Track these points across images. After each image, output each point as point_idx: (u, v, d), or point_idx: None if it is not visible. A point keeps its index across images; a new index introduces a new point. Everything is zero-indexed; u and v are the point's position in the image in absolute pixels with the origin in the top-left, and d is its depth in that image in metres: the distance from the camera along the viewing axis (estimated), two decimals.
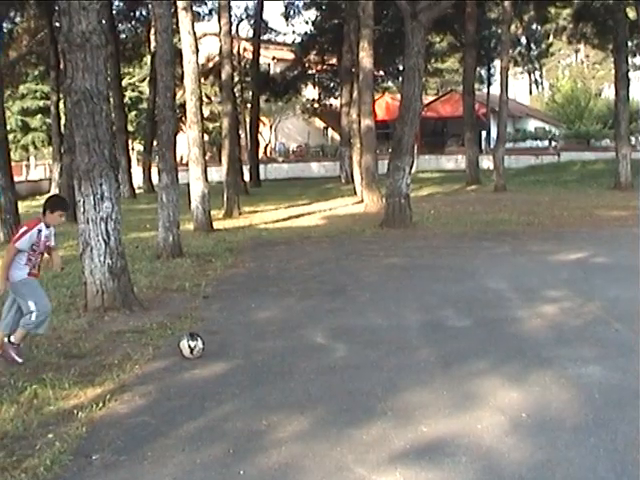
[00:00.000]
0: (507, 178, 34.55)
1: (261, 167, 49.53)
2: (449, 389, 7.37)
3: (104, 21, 13.13)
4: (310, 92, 59.65)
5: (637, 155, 38.96)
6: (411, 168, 21.74)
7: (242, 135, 46.51)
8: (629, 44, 35.89)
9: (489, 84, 56.94)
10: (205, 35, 50.82)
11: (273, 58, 61.17)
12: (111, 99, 36.63)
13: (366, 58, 26.81)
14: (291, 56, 55.11)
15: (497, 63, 50.80)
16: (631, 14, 34.94)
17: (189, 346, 8.60)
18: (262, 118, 53.97)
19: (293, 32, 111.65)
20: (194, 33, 21.44)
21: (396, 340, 9.26)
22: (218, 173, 35.11)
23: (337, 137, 56.37)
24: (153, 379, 8.02)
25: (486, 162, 43.03)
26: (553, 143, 56.64)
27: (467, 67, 39.27)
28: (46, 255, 8.97)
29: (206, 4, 47.26)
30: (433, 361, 8.34)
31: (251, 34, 49.51)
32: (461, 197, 31.44)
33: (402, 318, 10.45)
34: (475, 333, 9.52)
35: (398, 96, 31.95)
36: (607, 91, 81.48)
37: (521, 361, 8.19)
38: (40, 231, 8.59)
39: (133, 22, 49.44)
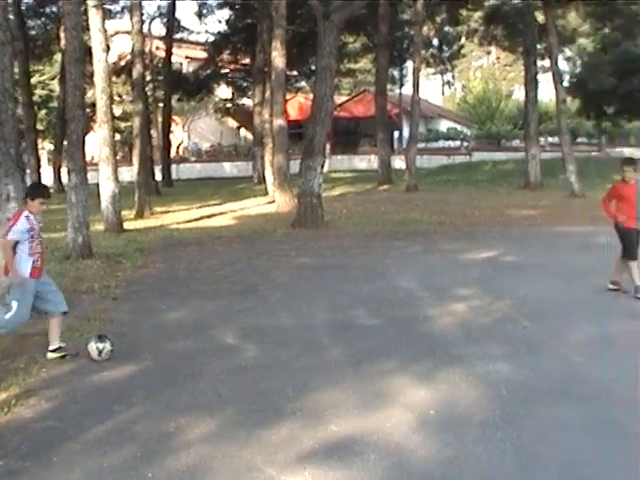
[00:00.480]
0: (419, 178, 34.82)
1: (173, 167, 49.15)
2: (359, 388, 7.38)
3: (11, 17, 12.87)
4: (223, 91, 59.39)
5: (546, 155, 39.69)
6: (323, 168, 21.78)
7: (154, 135, 46.01)
8: (538, 47, 36.46)
9: (401, 85, 57.44)
10: (117, 33, 50.27)
11: (186, 57, 60.66)
12: (19, 97, 35.95)
13: (278, 58, 26.76)
14: (204, 55, 54.66)
15: (409, 64, 51.29)
16: (540, 17, 35.53)
17: (97, 348, 8.46)
18: (175, 117, 53.60)
19: (206, 31, 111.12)
20: (105, 31, 21.18)
21: (307, 340, 9.25)
22: (129, 173, 34.78)
23: (250, 137, 56.20)
24: (60, 382, 7.86)
25: (398, 162, 43.34)
26: (465, 143, 57.30)
27: (380, 67, 39.45)
28: None
29: (117, 2, 46.61)
30: (344, 360, 8.35)
31: (164, 32, 49.00)
32: (373, 197, 31.57)
33: (313, 318, 10.44)
34: (386, 332, 9.56)
35: (311, 96, 31.93)
36: (517, 92, 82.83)
37: (431, 359, 8.25)
38: (28, 217, 8.37)
39: (43, 18, 48.61)
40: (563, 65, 61.87)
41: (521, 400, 6.94)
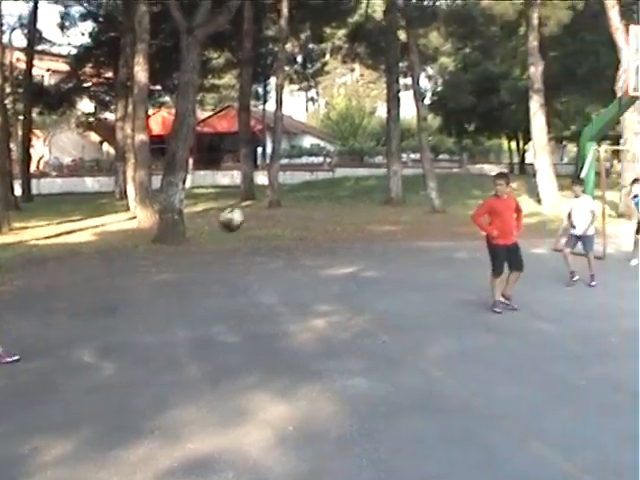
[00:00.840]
0: (282, 194, 34.94)
1: (33, 181, 47.80)
2: (218, 405, 7.35)
3: None
4: (86, 105, 58.31)
5: (408, 171, 40.41)
6: (184, 183, 21.63)
7: (13, 148, 44.90)
8: (400, 65, 37.14)
9: (265, 100, 57.53)
10: None
11: (48, 69, 59.27)
12: None
13: (141, 72, 26.47)
14: (67, 68, 53.62)
15: (273, 80, 51.45)
16: (402, 36, 36.20)
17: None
18: (35, 131, 52.31)
19: (69, 44, 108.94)
20: None
21: (167, 357, 9.16)
22: None
23: (113, 152, 55.36)
24: None
25: (262, 178, 43.34)
26: (328, 159, 57.79)
27: (243, 83, 39.49)
28: None
29: None
30: (203, 377, 8.30)
31: (25, 44, 47.85)
32: None
33: (173, 334, 10.34)
34: (245, 348, 9.55)
35: (174, 111, 31.71)
36: (381, 109, 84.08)
37: (290, 375, 8.27)
38: None
39: None
40: (425, 83, 63.33)
41: (379, 415, 7.03)
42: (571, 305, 12.24)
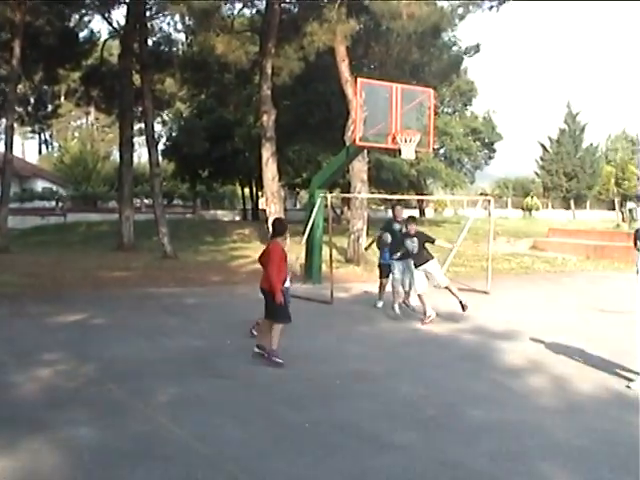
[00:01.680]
0: (12, 239, 33.68)
1: None
2: None
3: None
4: None
5: (141, 217, 40.20)
6: None
7: None
8: (134, 109, 36.97)
9: None
10: None
11: None
12: None
13: None
14: None
15: (3, 121, 49.80)
16: (138, 81, 36.05)
17: None
18: None
19: None
20: None
21: None
22: None
23: None
24: None
25: None
26: (60, 204, 56.48)
27: None
28: None
29: None
30: None
31: None
32: None
33: None
34: None
35: None
36: (115, 153, 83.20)
37: (13, 428, 8.02)
38: None
39: None
40: (159, 128, 63.19)
41: (103, 463, 6.99)
42: (297, 350, 12.57)
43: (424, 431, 8.15)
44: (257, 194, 57.11)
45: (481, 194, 36.09)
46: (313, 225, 21.21)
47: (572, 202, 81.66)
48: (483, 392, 9.88)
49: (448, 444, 7.74)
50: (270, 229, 12.15)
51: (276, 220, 12.47)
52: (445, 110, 58.97)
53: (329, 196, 21.09)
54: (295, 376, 10.66)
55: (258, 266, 12.05)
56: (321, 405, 9.18)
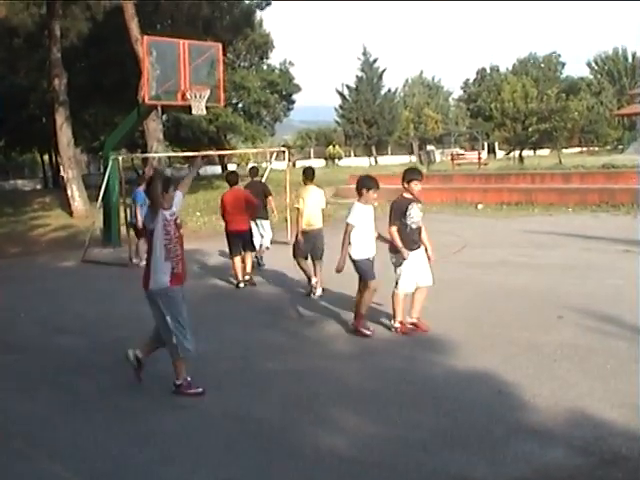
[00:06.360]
0: None
1: None
2: None
3: None
4: None
5: None
6: None
7: None
8: None
9: None
10: None
11: None
12: None
13: None
14: None
15: None
16: None
17: None
18: None
19: None
20: None
21: None
22: None
23: None
24: None
25: None
26: None
27: None
28: None
29: None
30: None
31: None
32: None
33: None
34: None
35: None
36: None
37: None
38: None
39: None
40: None
41: None
42: (92, 316, 12.37)
43: (217, 386, 8.19)
44: (57, 161, 55.57)
45: (283, 146, 36.40)
46: (107, 188, 20.80)
47: (374, 148, 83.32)
48: (279, 343, 10.02)
49: (241, 397, 7.82)
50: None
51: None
52: (242, 64, 58.67)
53: (120, 158, 20.55)
54: (90, 344, 10.55)
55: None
56: (110, 371, 9.06)
